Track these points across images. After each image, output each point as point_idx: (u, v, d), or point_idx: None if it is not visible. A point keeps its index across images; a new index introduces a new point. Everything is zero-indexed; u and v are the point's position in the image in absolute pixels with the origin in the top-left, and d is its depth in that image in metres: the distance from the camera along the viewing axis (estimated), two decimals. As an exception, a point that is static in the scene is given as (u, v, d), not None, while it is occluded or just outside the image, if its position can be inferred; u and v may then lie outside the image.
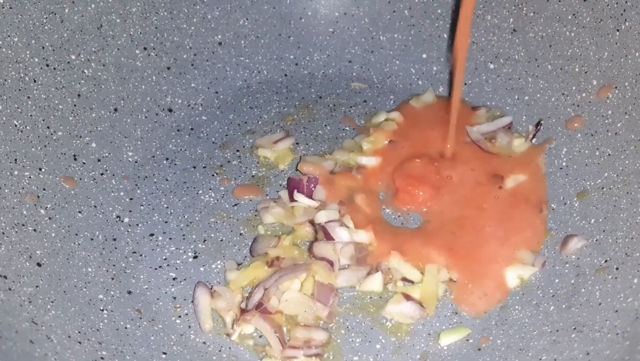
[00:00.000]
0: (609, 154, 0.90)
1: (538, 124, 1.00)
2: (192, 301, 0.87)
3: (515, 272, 0.88)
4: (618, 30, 0.91)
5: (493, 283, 0.87)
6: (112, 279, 0.88)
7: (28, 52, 0.91)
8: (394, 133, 1.03)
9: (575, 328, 0.78)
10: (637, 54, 0.88)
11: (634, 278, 0.78)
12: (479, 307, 0.86)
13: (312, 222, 0.91)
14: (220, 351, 0.83)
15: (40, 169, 0.89)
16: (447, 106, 1.00)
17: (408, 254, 0.88)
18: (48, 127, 0.92)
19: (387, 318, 0.85)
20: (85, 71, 0.99)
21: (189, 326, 0.85)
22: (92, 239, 0.91)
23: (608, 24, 0.92)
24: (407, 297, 0.85)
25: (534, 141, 1.00)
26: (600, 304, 0.79)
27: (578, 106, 0.96)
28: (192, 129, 1.07)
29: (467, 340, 0.84)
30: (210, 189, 1.00)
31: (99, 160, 0.98)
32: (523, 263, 0.88)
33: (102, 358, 0.76)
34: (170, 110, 1.08)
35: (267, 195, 0.99)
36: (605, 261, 0.83)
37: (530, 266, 0.88)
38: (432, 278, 0.87)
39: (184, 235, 0.94)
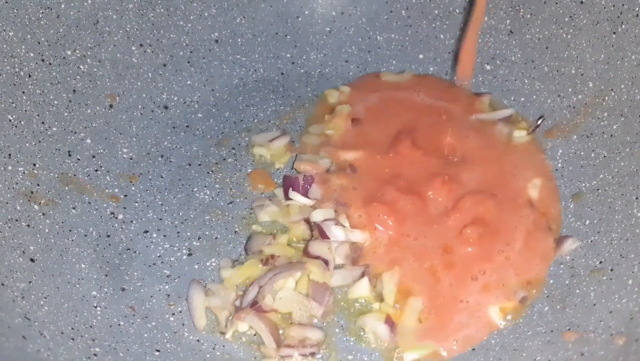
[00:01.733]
0: (605, 156, 0.90)
1: (540, 118, 0.99)
2: (186, 299, 0.86)
3: (498, 306, 0.83)
4: (614, 32, 0.91)
5: (472, 331, 0.82)
6: (106, 276, 0.87)
7: (23, 46, 0.90)
8: (353, 112, 1.04)
9: (569, 329, 0.78)
10: (633, 57, 0.89)
11: (628, 279, 0.78)
12: (452, 353, 0.81)
13: (307, 220, 0.91)
14: (214, 349, 0.83)
15: (34, 164, 0.89)
16: (421, 83, 1.01)
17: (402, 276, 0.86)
18: (43, 123, 0.92)
19: (361, 325, 0.83)
20: (81, 66, 0.98)
21: (183, 324, 0.85)
22: (85, 236, 0.90)
23: (604, 26, 0.92)
24: (389, 320, 0.82)
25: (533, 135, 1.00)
26: (594, 305, 0.79)
27: (574, 107, 0.96)
28: (187, 126, 1.07)
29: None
30: (205, 186, 0.99)
31: (93, 156, 0.97)
32: (506, 297, 0.84)
33: (95, 354, 0.76)
34: (165, 107, 1.08)
35: (262, 193, 0.98)
36: (600, 262, 0.83)
37: (512, 300, 0.84)
38: (413, 314, 0.83)
39: (178, 232, 0.94)
